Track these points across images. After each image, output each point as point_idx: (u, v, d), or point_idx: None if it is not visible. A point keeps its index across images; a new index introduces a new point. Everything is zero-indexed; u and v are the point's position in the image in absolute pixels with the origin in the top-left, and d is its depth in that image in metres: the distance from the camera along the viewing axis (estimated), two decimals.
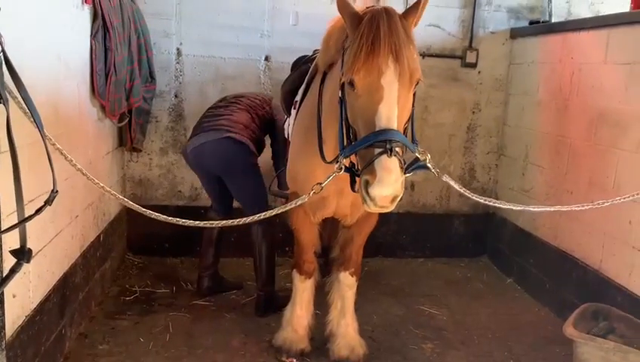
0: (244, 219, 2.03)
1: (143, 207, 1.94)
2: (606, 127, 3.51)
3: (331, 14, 2.45)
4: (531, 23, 4.66)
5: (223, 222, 2.10)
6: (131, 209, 1.94)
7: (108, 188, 1.90)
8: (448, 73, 4.73)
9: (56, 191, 1.66)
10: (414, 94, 2.04)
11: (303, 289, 3.09)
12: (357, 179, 2.01)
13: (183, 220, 1.97)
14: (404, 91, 1.94)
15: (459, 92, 4.77)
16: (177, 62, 4.39)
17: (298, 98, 3.00)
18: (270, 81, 4.48)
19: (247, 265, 4.45)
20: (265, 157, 3.80)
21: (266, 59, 4.47)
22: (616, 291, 3.30)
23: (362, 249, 3.10)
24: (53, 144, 1.73)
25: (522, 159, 4.54)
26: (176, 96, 4.44)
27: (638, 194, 2.14)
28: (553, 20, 4.61)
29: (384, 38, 1.89)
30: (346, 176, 2.12)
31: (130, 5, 3.84)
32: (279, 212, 2.02)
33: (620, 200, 2.12)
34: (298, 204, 2.04)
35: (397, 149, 1.86)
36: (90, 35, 3.21)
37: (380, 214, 2.98)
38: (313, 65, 2.88)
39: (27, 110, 1.62)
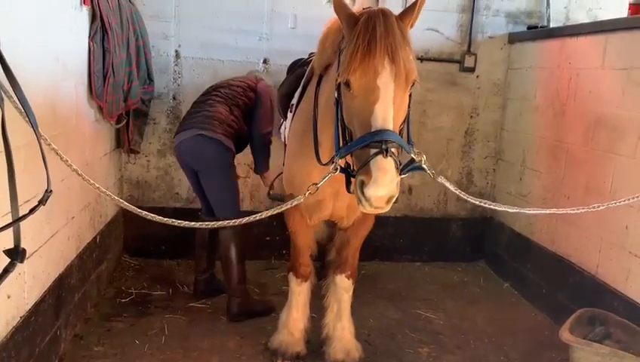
0: (240, 220, 2.02)
1: (140, 209, 1.93)
2: (603, 132, 3.52)
3: (330, 17, 2.45)
4: (529, 27, 4.67)
5: (219, 223, 2.10)
6: (128, 211, 1.93)
7: (103, 189, 1.89)
8: (446, 77, 4.73)
9: (50, 191, 1.65)
10: (410, 95, 2.04)
11: (299, 293, 3.08)
12: (352, 179, 2.01)
13: (178, 221, 1.96)
14: (400, 92, 1.94)
15: (457, 96, 4.78)
16: (176, 65, 4.39)
17: (294, 101, 3.01)
18: (271, 83, 4.49)
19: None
20: (270, 164, 3.77)
21: (265, 61, 4.47)
22: (613, 296, 3.29)
23: (359, 252, 3.09)
24: (49, 144, 1.72)
25: (520, 164, 4.54)
26: (174, 98, 4.44)
27: (633, 198, 2.14)
28: (551, 25, 4.62)
29: (380, 39, 1.90)
30: (342, 178, 2.11)
31: (129, 7, 3.84)
32: (275, 213, 2.01)
33: (615, 203, 2.12)
34: (294, 204, 2.04)
35: (392, 150, 1.85)
36: (89, 37, 3.22)
37: (377, 218, 2.99)
38: (309, 68, 2.89)
39: (22, 110, 1.62)
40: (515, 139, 4.65)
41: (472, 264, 4.95)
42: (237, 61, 4.43)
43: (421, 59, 4.57)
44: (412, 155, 2.01)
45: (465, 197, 2.09)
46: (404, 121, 2.05)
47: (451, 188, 2.07)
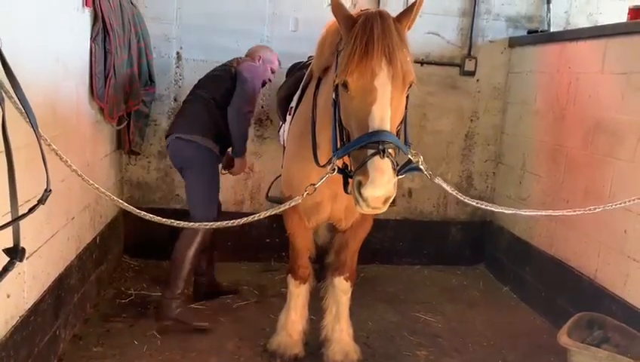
0: (239, 220, 2.03)
1: (140, 210, 1.94)
2: (603, 137, 3.52)
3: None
4: (530, 32, 4.68)
5: (217, 224, 2.10)
6: (128, 211, 1.94)
7: (102, 190, 1.90)
8: (447, 81, 4.74)
9: (50, 191, 1.66)
10: (407, 97, 2.05)
11: (298, 294, 3.09)
12: (350, 180, 2.01)
13: (178, 222, 1.97)
14: (397, 93, 1.95)
15: (457, 100, 4.79)
16: (177, 66, 4.41)
17: (293, 104, 3.02)
18: (270, 86, 4.49)
19: (244, 270, 4.48)
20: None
21: None
22: (611, 300, 3.29)
23: (357, 254, 3.10)
24: (49, 145, 1.73)
25: (519, 167, 4.55)
26: (175, 100, 4.45)
27: (629, 201, 2.14)
28: (552, 30, 4.63)
29: (377, 41, 1.91)
30: (340, 180, 2.12)
31: (131, 9, 3.86)
32: (273, 213, 2.02)
33: (611, 206, 2.13)
34: (292, 205, 2.04)
35: (390, 150, 1.87)
36: (90, 38, 3.23)
37: (377, 221, 3.00)
38: (308, 71, 2.90)
39: (23, 110, 1.63)
40: (515, 143, 4.65)
41: (471, 267, 4.95)
42: None
43: (422, 62, 4.58)
44: (409, 156, 2.02)
45: (462, 198, 2.09)
46: (401, 122, 2.06)
47: (448, 189, 2.08)
